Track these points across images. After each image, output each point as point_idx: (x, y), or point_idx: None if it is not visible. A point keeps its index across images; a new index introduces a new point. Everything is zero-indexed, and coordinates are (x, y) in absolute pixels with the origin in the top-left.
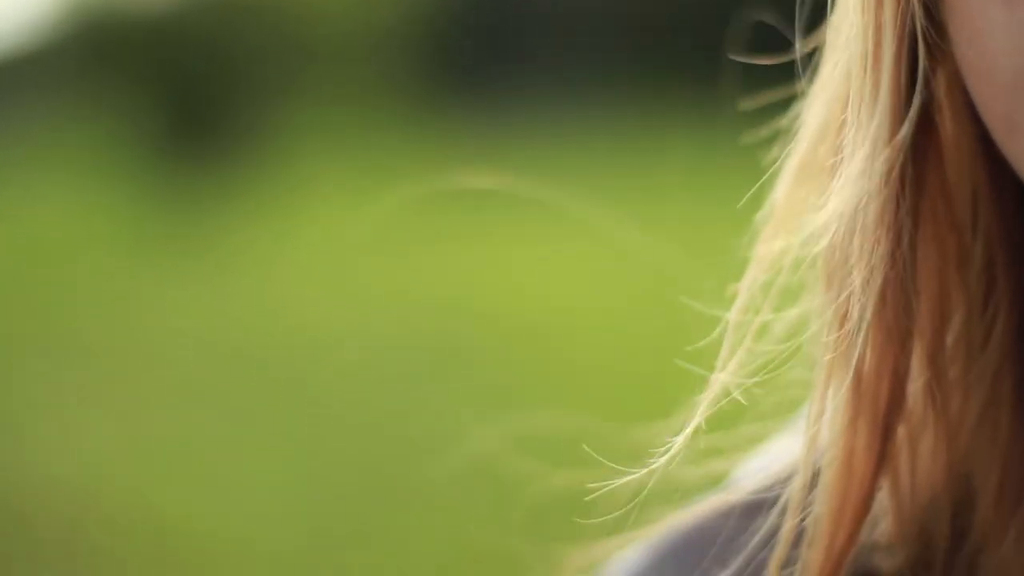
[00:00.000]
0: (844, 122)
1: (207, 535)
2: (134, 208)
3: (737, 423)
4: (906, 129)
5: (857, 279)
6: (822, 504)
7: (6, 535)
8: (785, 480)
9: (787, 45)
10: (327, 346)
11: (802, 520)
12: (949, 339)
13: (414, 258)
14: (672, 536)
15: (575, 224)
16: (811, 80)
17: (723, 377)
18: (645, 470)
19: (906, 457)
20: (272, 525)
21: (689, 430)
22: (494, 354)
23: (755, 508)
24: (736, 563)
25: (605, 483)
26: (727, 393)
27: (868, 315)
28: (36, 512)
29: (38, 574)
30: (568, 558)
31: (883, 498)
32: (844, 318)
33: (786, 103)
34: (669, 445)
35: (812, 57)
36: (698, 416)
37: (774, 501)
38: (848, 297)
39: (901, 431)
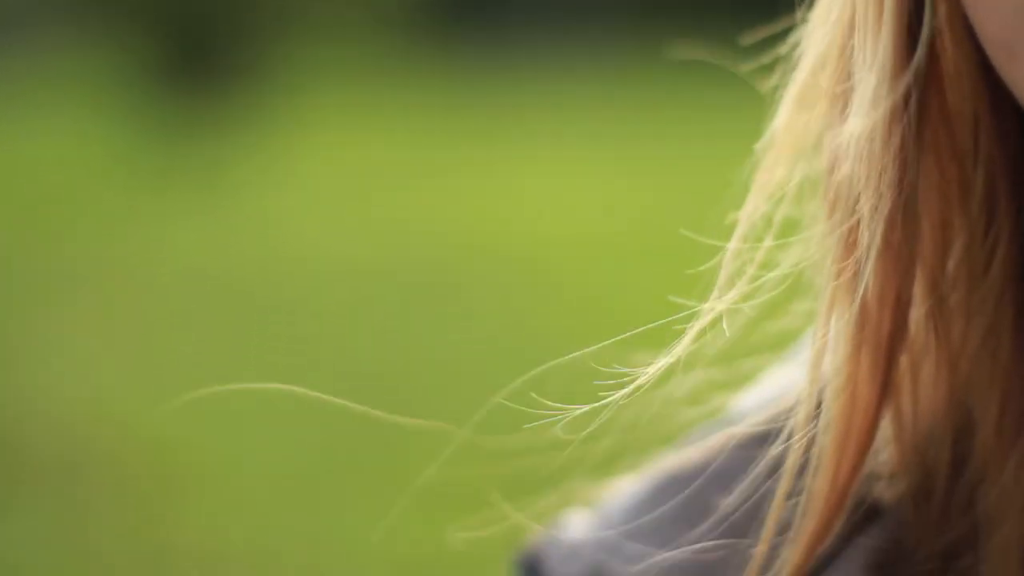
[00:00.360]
0: (846, 49)
1: (206, 467)
2: (133, 141)
3: (736, 357)
4: (919, 56)
5: (865, 206)
6: (826, 435)
7: (3, 467)
8: (787, 412)
9: None
10: (327, 279)
11: (806, 451)
12: (950, 266)
13: (414, 192)
14: (672, 467)
15: (578, 156)
16: (810, 8)
17: (719, 305)
18: (628, 389)
19: (908, 386)
20: (271, 455)
21: (679, 350)
22: (495, 287)
23: (758, 440)
24: (739, 493)
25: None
26: (720, 320)
27: (877, 242)
28: (33, 444)
29: (35, 506)
30: (567, 491)
31: (885, 427)
32: (851, 245)
33: (785, 32)
34: (657, 364)
35: None
36: (686, 341)
37: (776, 433)
38: (856, 223)
39: (903, 360)
